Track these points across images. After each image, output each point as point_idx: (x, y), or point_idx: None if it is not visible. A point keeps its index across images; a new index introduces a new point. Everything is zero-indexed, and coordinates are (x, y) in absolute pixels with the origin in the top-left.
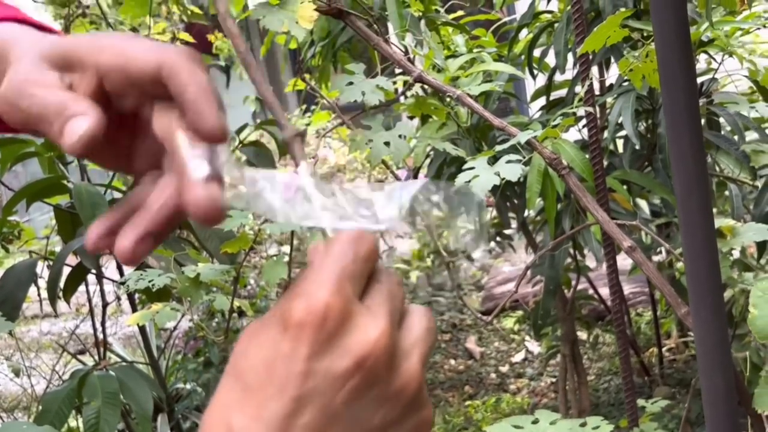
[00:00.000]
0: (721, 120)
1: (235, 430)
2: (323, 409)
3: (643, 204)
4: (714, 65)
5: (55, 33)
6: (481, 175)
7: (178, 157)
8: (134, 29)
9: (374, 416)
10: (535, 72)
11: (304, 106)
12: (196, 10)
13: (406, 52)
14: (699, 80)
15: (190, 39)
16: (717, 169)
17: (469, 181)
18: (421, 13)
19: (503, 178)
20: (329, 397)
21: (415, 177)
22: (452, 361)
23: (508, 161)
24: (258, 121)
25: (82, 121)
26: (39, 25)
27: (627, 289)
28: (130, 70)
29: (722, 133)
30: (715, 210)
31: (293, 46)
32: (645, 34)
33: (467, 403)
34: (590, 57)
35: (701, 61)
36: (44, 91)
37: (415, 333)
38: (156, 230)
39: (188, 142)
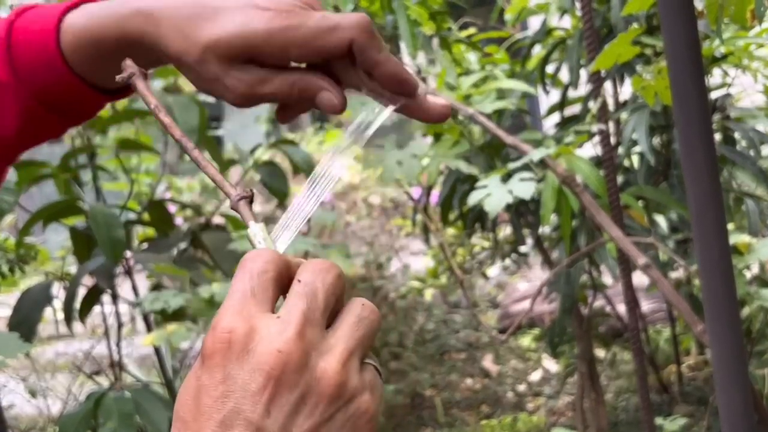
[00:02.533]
0: (737, 135)
1: None
2: (247, 425)
3: (661, 220)
4: (728, 80)
5: None
6: (494, 194)
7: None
8: None
9: (299, 420)
10: (549, 88)
11: (318, 124)
12: None
13: (419, 71)
14: (714, 95)
15: None
16: (734, 184)
17: (482, 200)
18: (433, 32)
19: (516, 197)
20: (249, 413)
21: (428, 194)
22: (468, 380)
23: (521, 179)
24: (271, 140)
25: (329, 95)
26: None
27: (645, 305)
28: (323, 53)
29: (738, 148)
30: (732, 225)
31: None
32: (657, 50)
33: (483, 422)
34: (602, 74)
35: (716, 76)
36: (274, 86)
37: (340, 328)
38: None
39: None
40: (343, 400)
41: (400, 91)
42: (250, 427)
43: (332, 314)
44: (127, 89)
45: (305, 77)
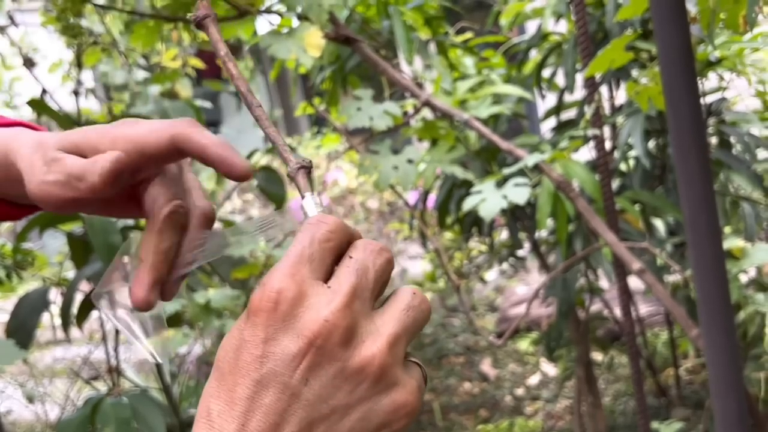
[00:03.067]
0: (733, 138)
1: (213, 414)
2: (283, 389)
3: (658, 223)
4: (724, 84)
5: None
6: (489, 199)
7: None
8: (145, 56)
9: (336, 394)
10: (545, 92)
11: (315, 128)
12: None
13: (415, 77)
14: (709, 99)
15: (201, 65)
16: (730, 188)
17: (477, 205)
18: (429, 37)
19: (511, 202)
20: (287, 377)
21: (425, 200)
22: (467, 384)
23: (516, 184)
24: (268, 145)
25: (106, 158)
26: (31, 126)
27: (643, 309)
28: (145, 151)
29: (733, 152)
30: (729, 229)
31: (303, 70)
32: (652, 55)
33: (480, 427)
34: (597, 79)
35: (712, 80)
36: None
37: (388, 312)
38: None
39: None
40: (385, 384)
41: (233, 174)
42: (286, 391)
43: (379, 300)
44: (30, 209)
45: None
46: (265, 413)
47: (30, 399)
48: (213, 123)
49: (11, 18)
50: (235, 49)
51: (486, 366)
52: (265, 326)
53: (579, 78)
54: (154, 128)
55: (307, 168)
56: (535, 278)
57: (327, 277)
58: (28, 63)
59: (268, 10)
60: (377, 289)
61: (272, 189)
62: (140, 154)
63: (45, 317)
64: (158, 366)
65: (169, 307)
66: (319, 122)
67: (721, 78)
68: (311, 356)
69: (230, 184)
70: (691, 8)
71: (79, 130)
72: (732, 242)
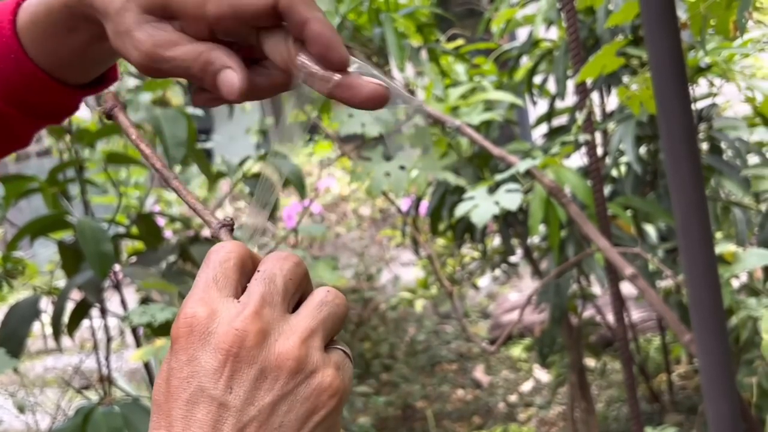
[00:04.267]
0: (723, 144)
1: None
2: (210, 401)
3: (650, 229)
4: (714, 90)
5: None
6: (481, 205)
7: (316, 71)
8: None
9: (260, 394)
10: (536, 99)
11: (307, 136)
12: None
13: (407, 84)
14: (699, 105)
15: None
16: (721, 193)
17: (469, 211)
18: (420, 44)
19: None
20: (212, 390)
21: (417, 206)
22: (460, 391)
23: (508, 190)
24: (261, 152)
25: (231, 75)
26: None
27: (635, 314)
28: (244, 13)
29: (724, 157)
30: (720, 234)
31: None
32: (643, 61)
33: None
34: (588, 85)
35: (703, 86)
36: (179, 51)
37: (302, 311)
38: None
39: (314, 62)
40: (303, 375)
41: (328, 57)
42: (214, 403)
43: (298, 303)
44: (97, 85)
45: (213, 50)
46: (200, 427)
47: (21, 409)
48: (205, 131)
49: None
50: None
51: (479, 373)
52: (185, 349)
53: (570, 84)
54: None
55: (230, 226)
56: (527, 285)
57: (237, 293)
58: None
59: None
60: (289, 292)
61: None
62: (236, 19)
63: (36, 326)
64: (150, 375)
65: (161, 315)
66: (311, 130)
67: (711, 84)
68: (230, 365)
69: (222, 191)
70: (681, 14)
71: None
72: (723, 247)
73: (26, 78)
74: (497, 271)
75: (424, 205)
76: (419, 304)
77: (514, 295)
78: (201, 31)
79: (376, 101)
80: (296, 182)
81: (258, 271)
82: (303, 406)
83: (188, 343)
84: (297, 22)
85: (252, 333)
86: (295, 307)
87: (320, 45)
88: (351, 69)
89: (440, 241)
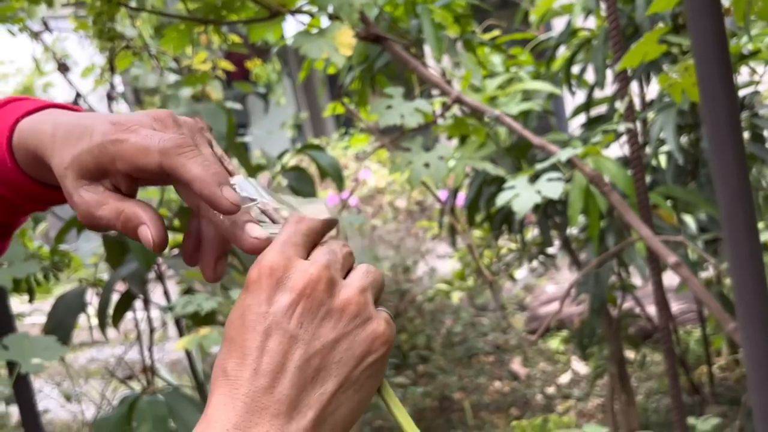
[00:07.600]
0: (766, 132)
1: (228, 370)
2: (284, 334)
3: (689, 220)
4: (756, 78)
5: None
6: (522, 194)
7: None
8: (176, 59)
9: (325, 330)
10: (574, 89)
11: (343, 129)
12: (236, 38)
13: (444, 74)
14: (741, 93)
15: (230, 67)
16: (763, 182)
17: (510, 200)
18: (457, 35)
19: (544, 197)
20: (286, 324)
21: (455, 197)
22: (497, 383)
23: (549, 179)
24: (297, 145)
25: (145, 230)
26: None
27: (675, 306)
28: (143, 171)
29: (766, 146)
30: (763, 224)
31: (331, 71)
32: (684, 49)
33: (513, 423)
34: (628, 73)
35: (743, 74)
36: (105, 211)
37: (352, 275)
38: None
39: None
40: (361, 319)
41: (215, 208)
42: (286, 335)
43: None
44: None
45: (130, 208)
46: (272, 356)
47: (67, 398)
48: (242, 125)
49: (45, 24)
50: (263, 51)
51: (516, 365)
52: (264, 290)
53: (608, 74)
54: (144, 148)
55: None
56: (564, 277)
57: (306, 256)
58: (63, 68)
59: (299, 11)
60: (345, 265)
61: (302, 188)
62: (139, 173)
63: (81, 318)
64: (192, 365)
65: (205, 305)
66: (346, 123)
67: (753, 71)
68: (303, 304)
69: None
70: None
71: (87, 150)
72: (767, 236)
73: (13, 181)
74: (534, 263)
75: (461, 197)
76: (456, 296)
77: (551, 287)
78: (126, 184)
79: (256, 253)
80: (334, 175)
81: (323, 245)
82: (360, 347)
83: (267, 285)
84: (183, 182)
85: (324, 279)
86: None
87: (206, 200)
88: (232, 181)
89: (477, 233)
